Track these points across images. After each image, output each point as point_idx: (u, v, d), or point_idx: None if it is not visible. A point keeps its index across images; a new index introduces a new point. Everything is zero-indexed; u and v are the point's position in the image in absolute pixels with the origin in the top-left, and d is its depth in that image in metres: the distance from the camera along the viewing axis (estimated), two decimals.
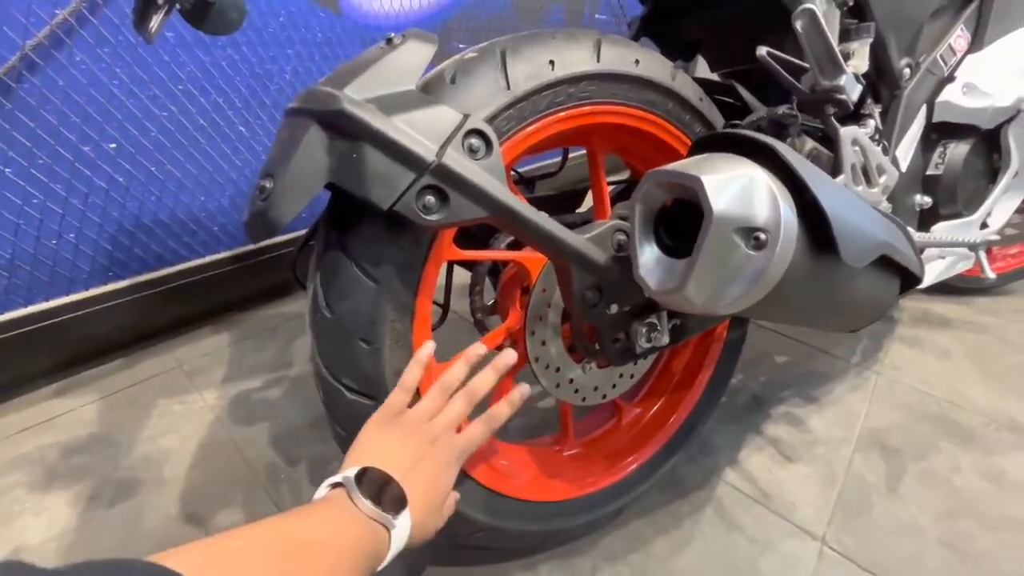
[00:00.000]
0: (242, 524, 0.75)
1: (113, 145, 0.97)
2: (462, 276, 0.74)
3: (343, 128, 0.40)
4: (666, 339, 0.56)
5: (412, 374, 0.50)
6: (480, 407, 0.53)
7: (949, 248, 0.81)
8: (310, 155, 0.41)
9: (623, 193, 0.81)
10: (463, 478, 0.59)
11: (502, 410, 0.52)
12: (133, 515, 0.78)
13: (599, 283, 0.51)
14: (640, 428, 0.79)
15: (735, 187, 0.36)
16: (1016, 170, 0.87)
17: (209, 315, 1.24)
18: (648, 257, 0.42)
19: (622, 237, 0.52)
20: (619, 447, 0.77)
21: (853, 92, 0.54)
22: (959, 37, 0.78)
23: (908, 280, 0.56)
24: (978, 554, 0.69)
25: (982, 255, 0.72)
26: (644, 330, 0.56)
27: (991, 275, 0.74)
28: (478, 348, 0.53)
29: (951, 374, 1.02)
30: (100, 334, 1.06)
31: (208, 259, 1.17)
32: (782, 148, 0.38)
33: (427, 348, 0.51)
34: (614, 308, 0.54)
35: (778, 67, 0.53)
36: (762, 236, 0.36)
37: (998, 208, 0.91)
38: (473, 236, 0.76)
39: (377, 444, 0.47)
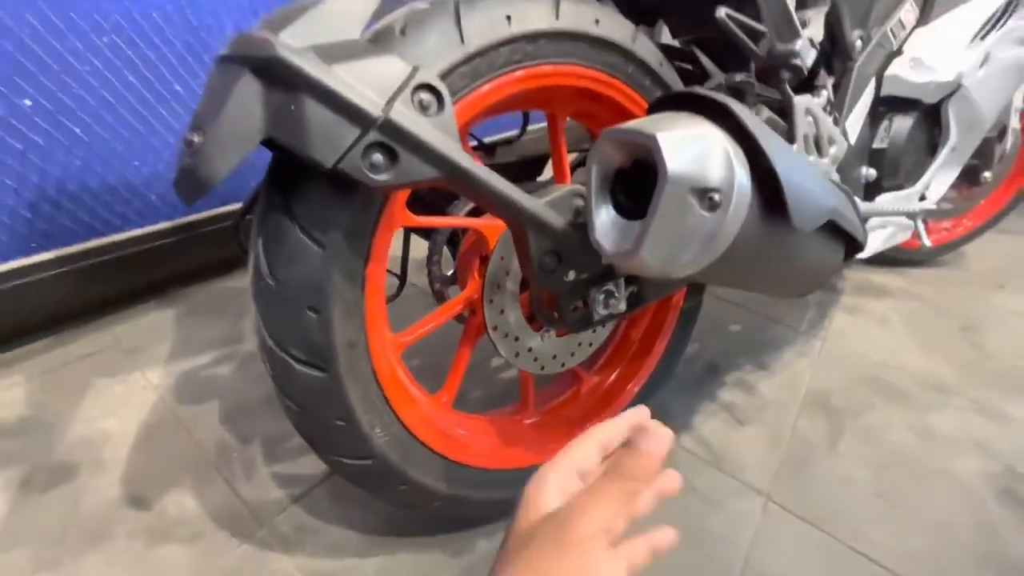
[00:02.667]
0: (192, 505, 0.73)
1: (28, 102, 0.87)
2: (420, 249, 0.72)
3: (279, 77, 0.37)
4: (623, 306, 0.57)
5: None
6: None
7: (890, 219, 0.84)
8: (243, 107, 0.37)
9: (584, 161, 0.79)
10: (420, 448, 0.59)
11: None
12: (70, 500, 0.74)
13: (557, 248, 0.51)
14: (599, 396, 0.80)
15: (691, 147, 0.36)
16: (953, 144, 0.92)
17: (150, 290, 1.16)
18: (604, 219, 0.41)
19: (580, 202, 0.52)
20: (579, 415, 0.78)
21: (808, 57, 0.55)
22: (908, 11, 0.80)
23: (852, 247, 0.58)
24: (908, 503, 0.75)
25: (920, 224, 0.76)
26: (602, 297, 0.56)
27: (927, 243, 0.79)
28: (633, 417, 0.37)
29: (888, 340, 1.08)
30: (26, 309, 0.98)
31: (147, 230, 1.08)
32: (738, 108, 0.38)
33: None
34: (572, 275, 0.53)
35: (736, 29, 0.53)
36: (716, 197, 0.36)
37: (936, 181, 0.95)
38: (431, 204, 0.74)
39: None
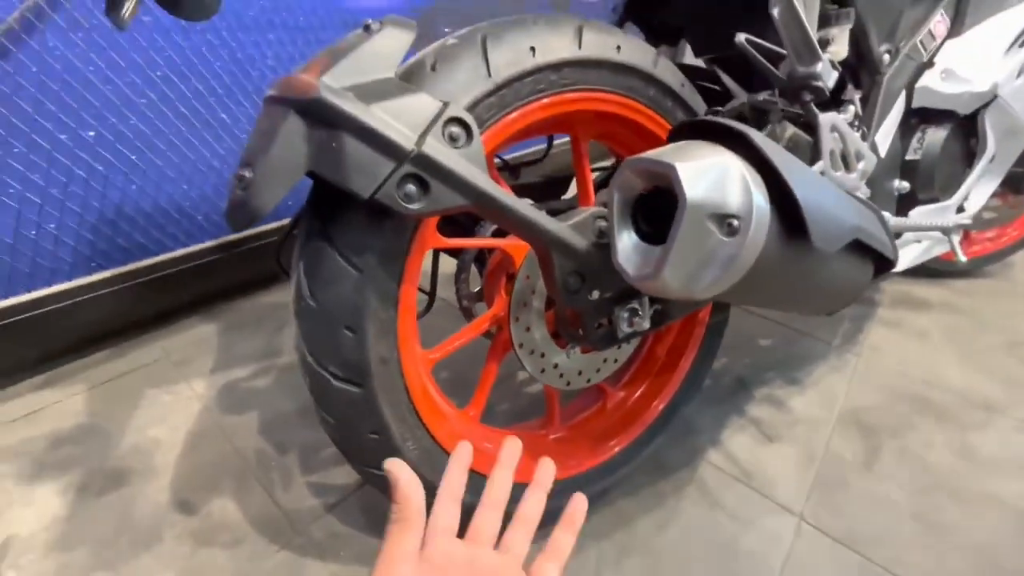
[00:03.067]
0: (234, 511, 0.76)
1: (92, 133, 0.95)
2: (449, 264, 0.75)
3: (321, 116, 0.40)
4: (647, 324, 0.57)
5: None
6: None
7: (925, 232, 0.82)
8: (289, 144, 0.41)
9: (607, 180, 0.81)
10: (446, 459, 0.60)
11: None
12: (124, 504, 0.79)
13: (580, 269, 0.52)
14: (625, 411, 0.81)
15: (708, 174, 0.37)
16: (992, 155, 0.89)
17: (195, 305, 1.23)
18: (626, 244, 0.43)
19: (603, 223, 0.53)
20: (604, 430, 0.78)
21: (829, 79, 0.55)
22: (939, 22, 0.79)
23: (882, 264, 0.57)
24: (949, 526, 0.72)
25: (954, 239, 0.74)
26: (626, 315, 0.57)
27: (963, 258, 0.76)
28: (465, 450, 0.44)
29: (928, 355, 1.05)
30: (85, 325, 1.05)
31: (193, 248, 1.15)
32: (755, 135, 0.39)
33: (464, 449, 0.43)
34: (596, 294, 0.55)
35: (755, 54, 0.54)
36: (735, 222, 0.37)
37: (974, 192, 0.93)
38: (459, 223, 0.76)
39: None
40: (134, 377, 1.04)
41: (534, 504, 0.42)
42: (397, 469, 0.38)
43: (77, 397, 0.99)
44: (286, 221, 1.25)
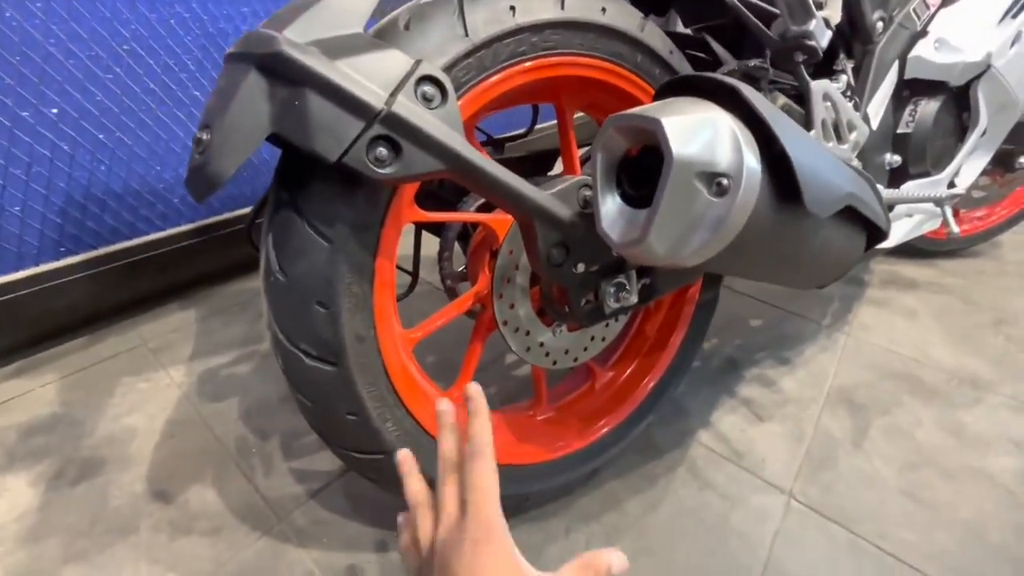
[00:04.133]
0: (214, 499, 0.74)
1: (55, 110, 0.90)
2: (432, 245, 0.72)
3: (283, 73, 0.37)
4: (635, 298, 0.56)
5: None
6: None
7: (916, 207, 0.81)
8: (250, 103, 0.38)
9: None
10: (432, 444, 0.58)
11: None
12: (99, 494, 0.76)
13: (565, 240, 0.50)
14: (614, 391, 0.79)
15: (697, 130, 0.35)
16: (984, 128, 0.88)
17: (174, 291, 1.19)
18: (610, 208, 0.40)
19: (588, 193, 0.51)
20: (593, 410, 0.77)
21: (823, 38, 0.53)
22: None
23: (874, 235, 0.56)
24: (937, 502, 0.72)
25: (947, 211, 0.73)
26: (613, 290, 0.55)
27: (956, 231, 0.75)
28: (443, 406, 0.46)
29: (917, 334, 1.04)
30: (57, 311, 1.02)
31: (169, 232, 1.11)
32: (746, 90, 0.37)
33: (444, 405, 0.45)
34: (581, 267, 0.52)
35: (747, 12, 0.52)
36: (724, 181, 0.35)
37: (966, 167, 0.92)
38: (442, 199, 0.74)
39: None
40: (110, 365, 1.01)
41: (448, 443, 0.44)
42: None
43: (50, 386, 0.96)
44: None
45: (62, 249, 0.99)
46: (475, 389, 0.44)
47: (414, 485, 0.45)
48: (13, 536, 0.70)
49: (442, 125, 0.41)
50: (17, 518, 0.73)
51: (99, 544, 0.69)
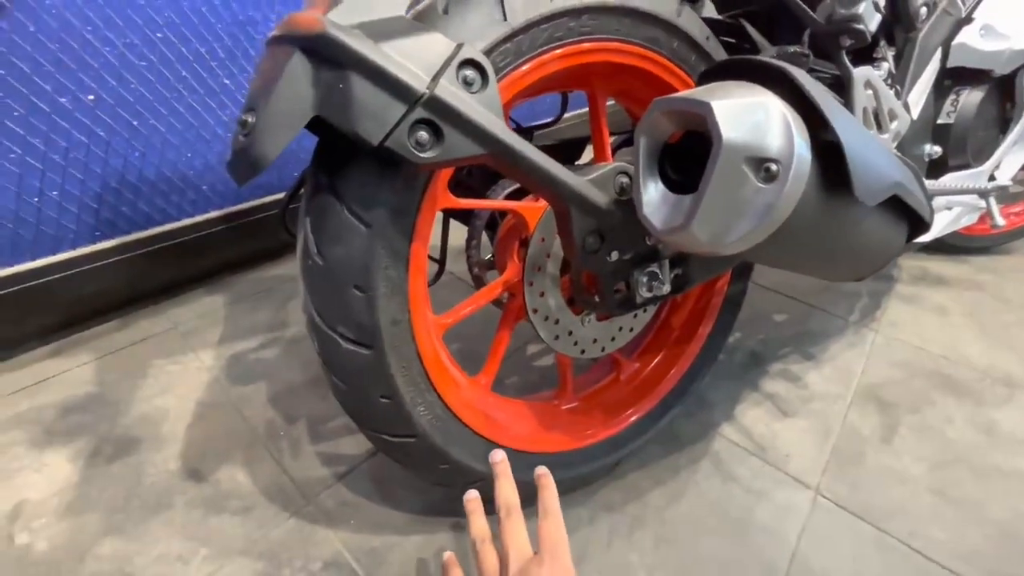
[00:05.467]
0: (244, 479, 0.77)
1: (91, 97, 0.92)
2: (459, 235, 0.72)
3: (327, 55, 0.38)
4: (667, 288, 0.55)
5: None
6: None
7: (955, 200, 0.79)
8: (293, 86, 0.38)
9: (625, 143, 0.78)
10: (461, 429, 0.59)
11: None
12: (134, 471, 0.78)
13: (600, 228, 0.50)
14: (639, 382, 0.79)
15: (746, 114, 0.34)
16: None
17: (203, 276, 1.21)
18: (652, 194, 0.40)
19: (624, 180, 0.50)
20: (617, 401, 0.77)
21: (871, 22, 0.51)
22: None
23: (916, 226, 0.54)
24: (967, 501, 0.71)
25: (992, 203, 0.71)
26: (645, 279, 0.55)
27: (1001, 222, 0.73)
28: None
29: (947, 331, 1.02)
30: (91, 295, 1.04)
31: (199, 219, 1.13)
32: (797, 73, 0.36)
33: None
34: (615, 255, 0.52)
35: None
36: (773, 167, 0.34)
37: (1007, 161, 0.89)
38: (471, 188, 0.74)
39: None
40: (141, 347, 1.03)
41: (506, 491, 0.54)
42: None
43: (86, 366, 0.99)
44: None
45: (97, 233, 1.01)
46: (542, 470, 0.58)
47: (478, 522, 0.53)
48: (53, 510, 0.73)
49: (483, 109, 0.41)
50: (56, 492, 0.75)
51: (135, 519, 0.71)
